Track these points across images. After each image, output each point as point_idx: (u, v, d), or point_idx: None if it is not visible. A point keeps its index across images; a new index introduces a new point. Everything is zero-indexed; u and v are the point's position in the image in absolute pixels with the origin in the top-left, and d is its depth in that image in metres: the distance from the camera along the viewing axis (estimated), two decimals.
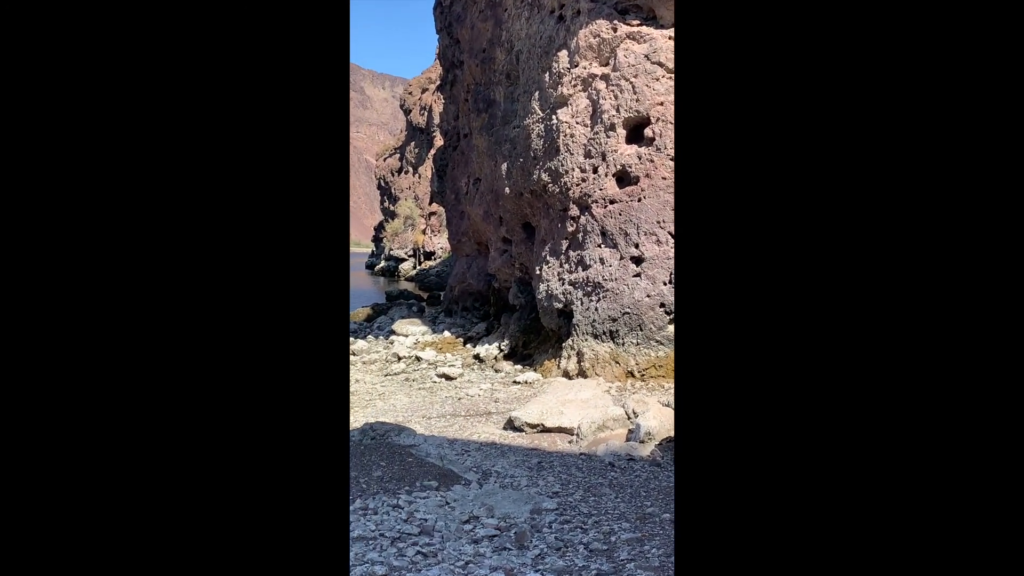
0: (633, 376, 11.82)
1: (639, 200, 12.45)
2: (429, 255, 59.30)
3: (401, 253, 66.21)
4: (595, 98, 13.20)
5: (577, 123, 13.48)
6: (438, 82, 39.51)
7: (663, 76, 12.29)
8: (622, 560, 4.82)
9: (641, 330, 12.08)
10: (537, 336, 15.46)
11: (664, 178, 12.20)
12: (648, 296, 12.09)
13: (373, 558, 4.96)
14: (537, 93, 14.53)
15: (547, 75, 14.11)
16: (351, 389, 13.81)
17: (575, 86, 13.51)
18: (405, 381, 14.47)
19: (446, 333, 19.47)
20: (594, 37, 13.06)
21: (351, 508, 6.21)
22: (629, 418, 9.03)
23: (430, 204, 55.12)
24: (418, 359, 16.44)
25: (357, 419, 10.50)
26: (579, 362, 12.71)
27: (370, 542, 5.28)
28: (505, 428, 9.46)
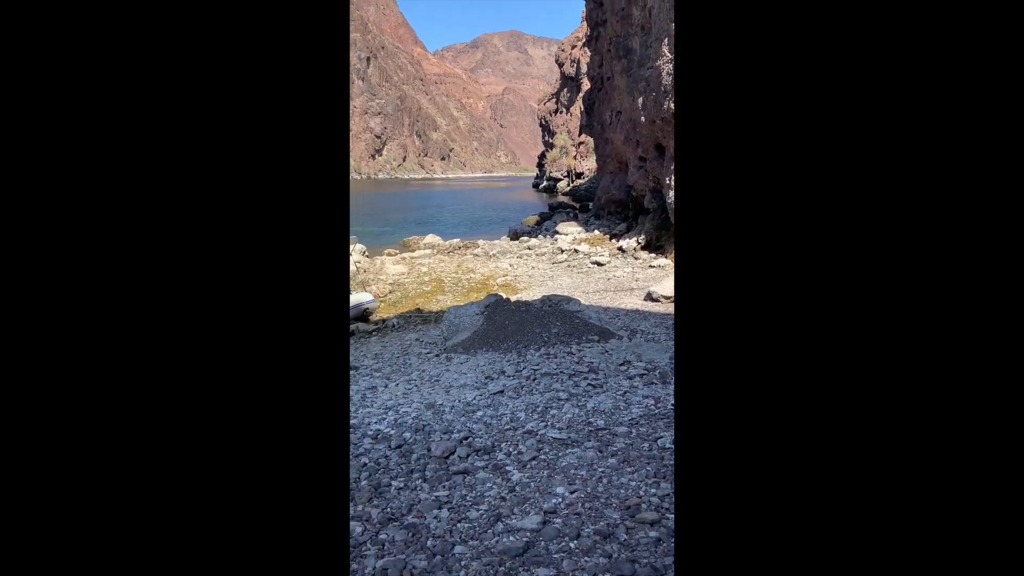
0: None
1: None
2: (579, 175, 58.13)
3: (558, 175, 65.34)
4: None
5: None
6: (584, 39, 37.65)
7: None
8: None
9: None
10: (667, 231, 14.99)
11: None
12: None
13: (557, 387, 5.13)
14: (666, 39, 13.53)
15: (673, 24, 13.07)
16: (528, 275, 14.06)
17: None
18: (567, 267, 14.54)
19: (596, 232, 19.25)
20: None
21: (537, 353, 6.42)
22: None
23: (579, 135, 53.69)
24: (576, 251, 16.41)
25: (536, 293, 10.72)
26: None
27: (554, 377, 5.46)
28: (645, 299, 9.35)
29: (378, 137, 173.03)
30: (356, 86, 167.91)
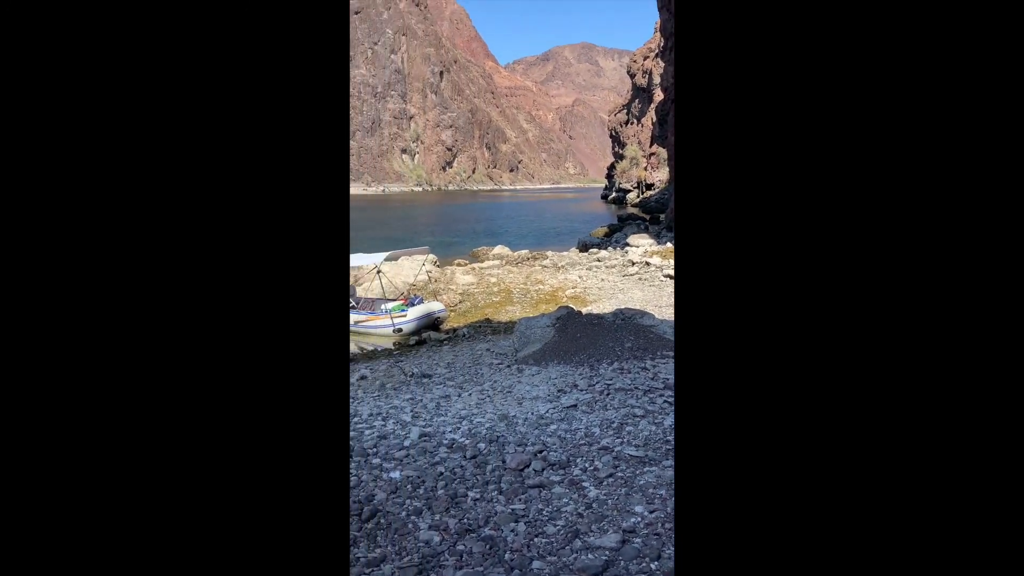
0: None
1: None
2: (649, 186, 57.32)
3: (628, 186, 64.72)
4: None
5: None
6: (657, 50, 37.26)
7: None
8: None
9: None
10: None
11: None
12: None
13: (632, 403, 5.04)
14: None
15: None
16: (598, 287, 13.93)
17: None
18: (638, 280, 14.33)
19: (668, 244, 18.91)
20: None
21: (610, 368, 6.34)
22: None
23: (650, 146, 53.00)
24: (647, 264, 16.16)
25: (606, 306, 10.61)
26: None
27: (629, 392, 5.37)
28: None
29: (449, 149, 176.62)
30: (429, 99, 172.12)
